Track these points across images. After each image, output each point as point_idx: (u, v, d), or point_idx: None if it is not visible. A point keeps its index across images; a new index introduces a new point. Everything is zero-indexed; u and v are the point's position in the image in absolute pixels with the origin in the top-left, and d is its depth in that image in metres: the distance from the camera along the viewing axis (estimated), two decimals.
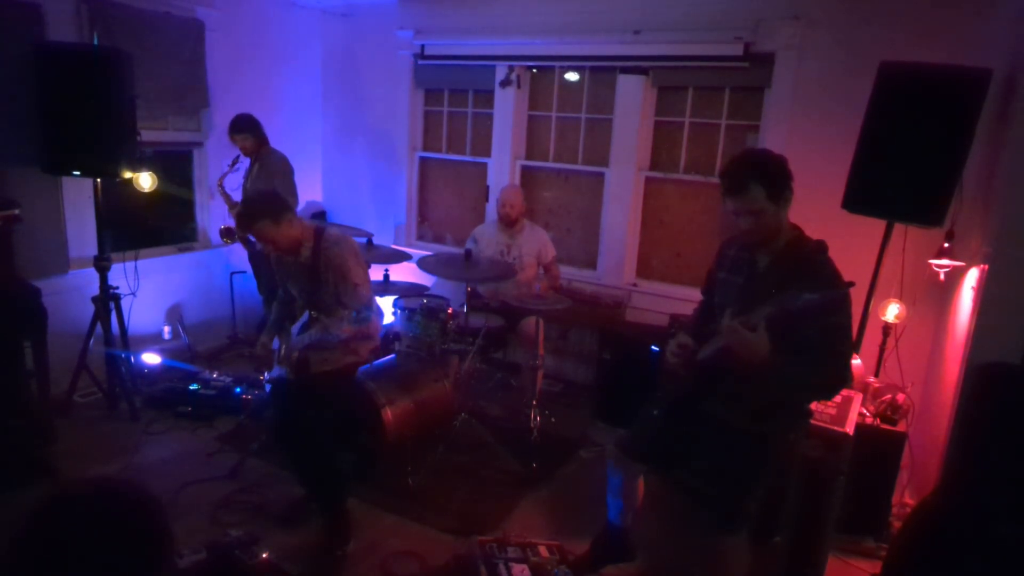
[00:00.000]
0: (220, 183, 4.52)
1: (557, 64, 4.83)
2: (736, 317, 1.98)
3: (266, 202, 2.75)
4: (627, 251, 4.69)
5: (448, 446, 3.56)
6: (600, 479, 2.75)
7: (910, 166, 2.86)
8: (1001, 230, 2.68)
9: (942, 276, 3.18)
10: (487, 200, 5.20)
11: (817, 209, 2.99)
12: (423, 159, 5.62)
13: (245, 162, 4.54)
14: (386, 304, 4.01)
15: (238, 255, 4.98)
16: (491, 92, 5.06)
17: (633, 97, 4.49)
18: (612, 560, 2.72)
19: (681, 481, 2.31)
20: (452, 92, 5.40)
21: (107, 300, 3.84)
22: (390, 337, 3.95)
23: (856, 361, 3.13)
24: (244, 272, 5.03)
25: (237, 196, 4.58)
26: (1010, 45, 2.96)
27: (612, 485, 2.63)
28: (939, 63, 2.88)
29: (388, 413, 3.33)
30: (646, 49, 4.34)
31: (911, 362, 3.38)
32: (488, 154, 5.19)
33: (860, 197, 3.05)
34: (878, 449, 2.95)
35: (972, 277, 2.96)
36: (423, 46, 5.18)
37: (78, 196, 4.07)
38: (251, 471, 3.39)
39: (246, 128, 4.39)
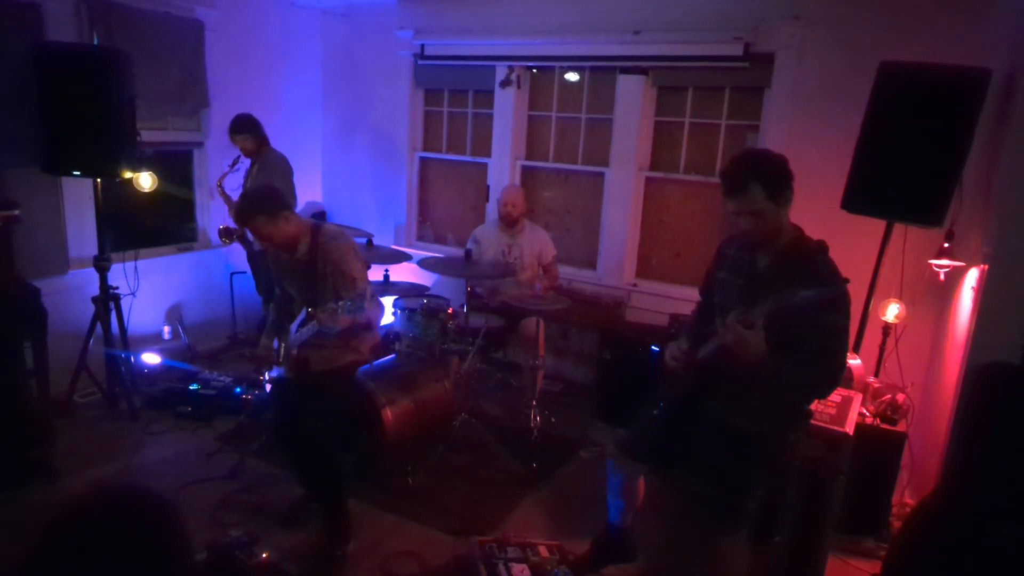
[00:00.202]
0: (219, 183, 4.52)
1: (557, 64, 4.83)
2: (736, 315, 1.98)
3: (264, 198, 2.74)
4: (627, 251, 4.69)
5: (448, 446, 3.56)
6: (600, 479, 2.75)
7: (910, 166, 2.86)
8: (1001, 230, 2.68)
9: (942, 276, 3.18)
10: (487, 200, 5.20)
11: (817, 209, 2.98)
12: (423, 159, 5.63)
13: (245, 162, 4.54)
14: (386, 304, 4.01)
15: (238, 255, 4.98)
16: (491, 92, 5.06)
17: (633, 97, 4.49)
18: (612, 560, 2.72)
19: (681, 481, 2.31)
20: (452, 92, 5.40)
21: (107, 300, 3.84)
22: (390, 337, 3.95)
23: (856, 361, 3.13)
24: (244, 272, 5.03)
25: (237, 196, 4.57)
26: (1010, 45, 2.96)
27: (612, 485, 2.63)
28: (939, 63, 2.88)
29: (388, 413, 3.33)
30: (646, 49, 4.34)
31: (911, 362, 3.38)
32: (488, 154, 5.19)
33: (860, 197, 3.05)
34: (878, 449, 2.95)
35: (972, 277, 2.96)
36: (423, 46, 5.18)
37: (78, 196, 4.08)
38: (251, 471, 3.39)
39: (246, 128, 4.39)
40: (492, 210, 5.01)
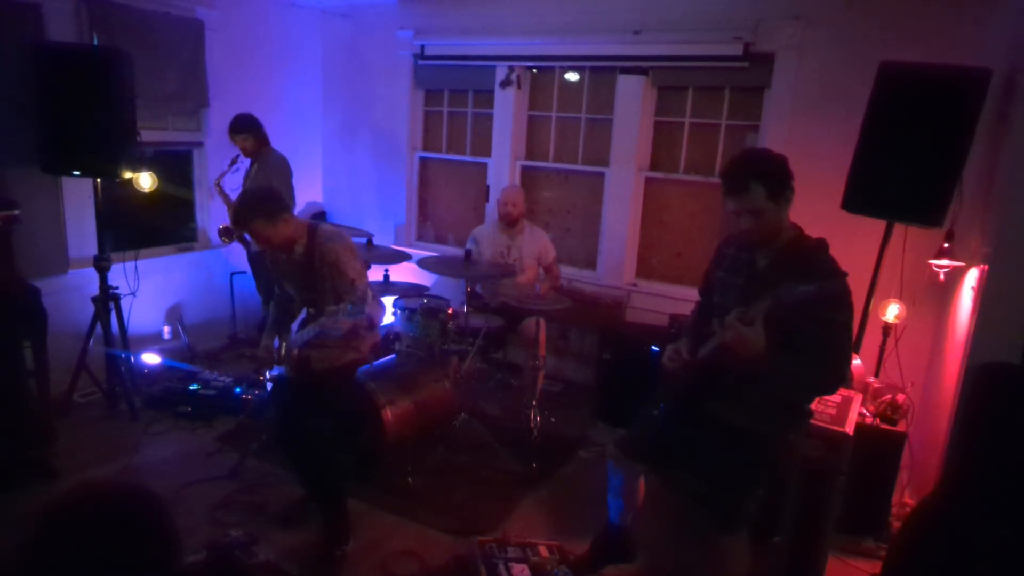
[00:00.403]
0: (218, 183, 4.52)
1: (557, 64, 4.83)
2: (734, 312, 1.97)
3: (261, 200, 2.72)
4: (627, 251, 4.69)
5: (448, 446, 3.56)
6: (600, 479, 2.75)
7: (910, 166, 2.86)
8: (1001, 230, 2.69)
9: (942, 276, 3.18)
10: (487, 200, 5.20)
11: (817, 209, 2.98)
12: (423, 159, 5.63)
13: (245, 162, 4.54)
14: (386, 304, 4.01)
15: (238, 255, 4.98)
16: (491, 92, 5.06)
17: (633, 97, 4.49)
18: (612, 560, 2.72)
19: (681, 481, 2.31)
20: (452, 92, 5.40)
21: (107, 300, 3.84)
22: (390, 337, 3.95)
23: (856, 361, 3.13)
24: (244, 272, 5.03)
25: (236, 196, 4.57)
26: (1010, 45, 2.96)
27: (612, 485, 2.63)
28: (939, 63, 2.88)
29: (388, 413, 3.33)
30: (646, 49, 4.34)
31: (911, 362, 3.38)
32: (488, 154, 5.19)
33: (860, 197, 3.05)
34: (878, 449, 2.95)
35: (972, 277, 2.96)
36: (423, 46, 5.18)
37: (78, 196, 4.08)
38: (251, 471, 3.39)
39: (246, 128, 4.39)
40: (492, 210, 5.01)
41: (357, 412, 3.33)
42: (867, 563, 2.92)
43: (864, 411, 3.02)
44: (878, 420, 3.03)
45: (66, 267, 4.08)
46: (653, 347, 3.79)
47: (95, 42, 3.94)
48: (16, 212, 3.47)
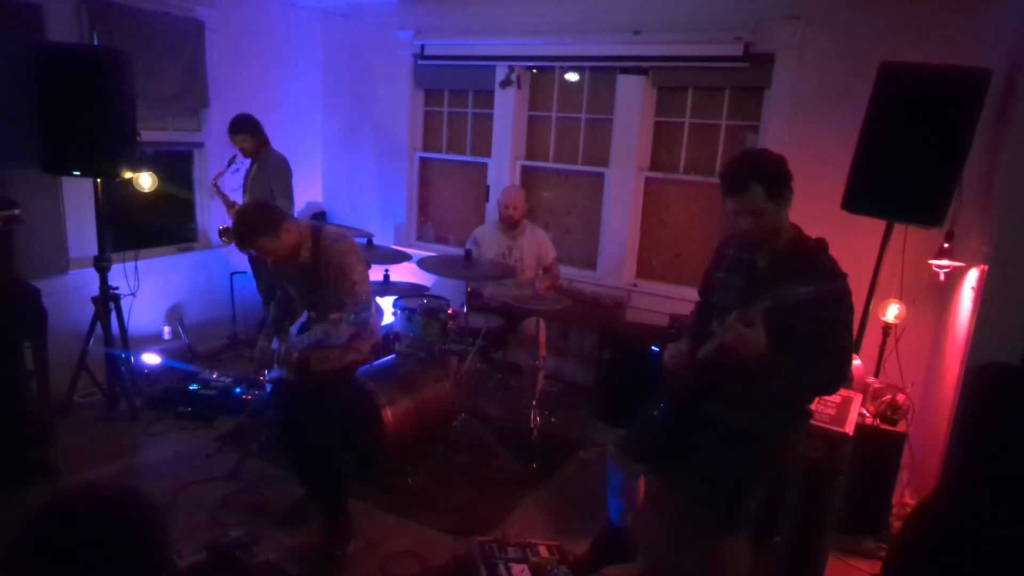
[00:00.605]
0: (215, 183, 4.51)
1: (557, 64, 4.83)
2: (733, 313, 1.97)
3: (259, 217, 2.67)
4: (627, 251, 4.69)
5: (448, 446, 3.56)
6: (600, 479, 2.75)
7: (910, 166, 2.86)
8: (1001, 230, 2.68)
9: (942, 276, 3.18)
10: (487, 200, 5.20)
11: (817, 209, 2.98)
12: (423, 159, 5.63)
13: (245, 163, 4.54)
14: (386, 304, 4.01)
15: (238, 255, 4.97)
16: (491, 92, 5.06)
17: (633, 97, 4.49)
18: (612, 560, 2.72)
19: (681, 481, 2.31)
20: (452, 92, 5.40)
21: (107, 300, 3.84)
22: (390, 337, 3.95)
23: (856, 361, 3.13)
24: (244, 272, 5.04)
25: (236, 196, 4.58)
26: (1010, 45, 2.96)
27: (612, 485, 2.63)
28: (939, 63, 2.88)
29: (388, 413, 3.33)
30: (646, 49, 4.34)
31: (911, 362, 3.38)
32: (488, 154, 5.19)
33: (860, 197, 3.05)
34: (878, 449, 2.95)
35: (972, 277, 2.96)
36: (423, 46, 5.18)
37: (78, 196, 4.08)
38: (251, 471, 3.39)
39: (245, 128, 4.39)
40: (492, 210, 5.01)
41: (357, 412, 3.33)
42: (867, 563, 2.92)
43: (864, 411, 3.01)
44: (878, 420, 3.02)
45: (66, 267, 4.08)
46: (653, 347, 3.78)
47: (95, 42, 3.94)
48: (16, 212, 3.48)
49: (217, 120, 4.78)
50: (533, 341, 3.93)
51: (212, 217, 5.02)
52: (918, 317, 3.43)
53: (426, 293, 4.22)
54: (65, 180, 3.99)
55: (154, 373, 4.33)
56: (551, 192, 5.11)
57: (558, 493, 3.40)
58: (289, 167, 4.51)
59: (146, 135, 3.93)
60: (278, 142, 4.61)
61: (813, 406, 2.36)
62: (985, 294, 2.70)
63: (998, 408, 1.81)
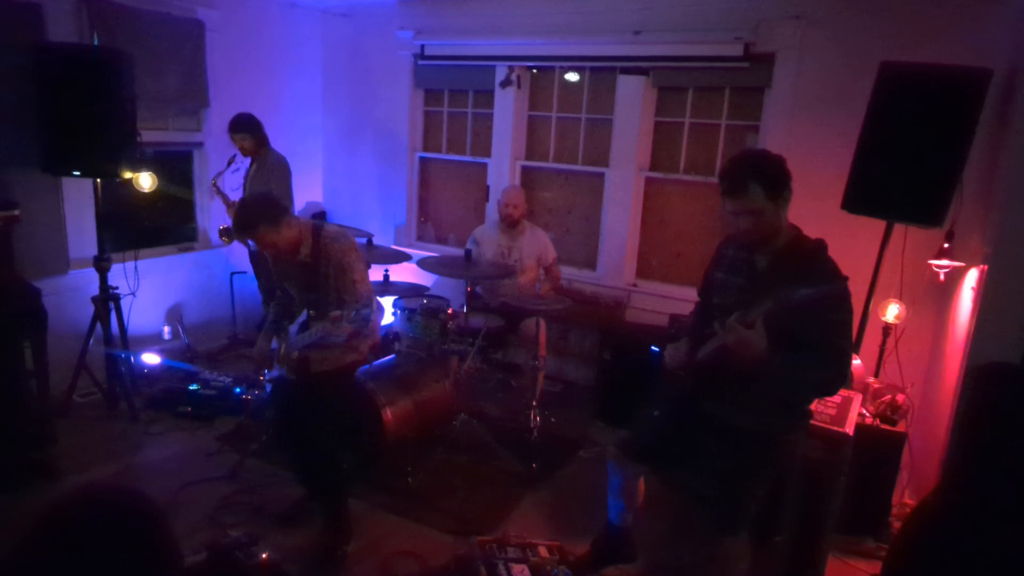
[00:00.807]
0: (215, 182, 4.51)
1: (557, 64, 4.83)
2: (735, 314, 1.98)
3: (261, 207, 2.69)
4: (627, 251, 4.69)
5: (448, 446, 3.56)
6: (600, 479, 2.75)
7: (910, 166, 2.86)
8: (1001, 230, 2.69)
9: (942, 276, 3.18)
10: (487, 200, 5.20)
11: (817, 209, 2.99)
12: (423, 159, 5.63)
13: (245, 162, 4.54)
14: (386, 304, 4.01)
15: (238, 255, 4.98)
16: (491, 92, 5.06)
17: (633, 97, 4.49)
18: (612, 560, 2.72)
19: (681, 482, 2.32)
20: (452, 92, 5.40)
21: (107, 300, 3.84)
22: (390, 337, 3.95)
23: (856, 361, 3.13)
24: (244, 272, 5.04)
25: (236, 196, 4.57)
26: (1010, 45, 2.97)
27: (613, 486, 2.63)
28: (939, 63, 2.88)
29: (388, 413, 3.33)
30: (646, 49, 4.34)
31: (911, 362, 3.38)
32: (488, 154, 5.19)
33: (860, 197, 3.05)
34: (878, 449, 2.95)
35: (972, 277, 2.96)
36: (423, 46, 5.18)
37: (78, 196, 4.08)
38: (251, 471, 3.39)
39: (244, 128, 4.38)
40: (492, 210, 5.01)
41: (357, 412, 3.33)
42: (867, 563, 2.92)
43: (864, 411, 3.02)
44: (878, 420, 3.03)
45: (66, 267, 4.08)
46: (653, 347, 3.79)
47: (95, 42, 3.93)
48: (16, 212, 3.47)
49: (217, 120, 4.78)
50: (533, 341, 3.93)
51: (212, 217, 5.02)
52: (918, 317, 3.43)
53: (426, 293, 4.22)
54: (65, 180, 3.99)
55: (154, 373, 4.33)
56: (551, 192, 5.11)
57: (558, 493, 3.40)
58: (288, 167, 4.50)
59: (146, 135, 3.93)
60: (278, 142, 4.61)
61: (813, 406, 2.35)
62: (985, 294, 2.70)
63: (998, 408, 1.81)
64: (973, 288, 2.91)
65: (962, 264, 3.08)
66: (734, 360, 1.99)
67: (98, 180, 3.82)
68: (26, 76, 3.45)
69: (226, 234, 4.58)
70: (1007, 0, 3.15)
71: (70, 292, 4.04)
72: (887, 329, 3.39)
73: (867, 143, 3.03)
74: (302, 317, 2.79)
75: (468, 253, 3.84)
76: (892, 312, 3.36)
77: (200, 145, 4.94)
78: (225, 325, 5.14)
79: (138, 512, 1.10)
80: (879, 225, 3.18)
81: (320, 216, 5.85)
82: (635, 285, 4.70)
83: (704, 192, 4.43)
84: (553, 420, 4.00)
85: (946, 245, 3.09)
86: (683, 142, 4.48)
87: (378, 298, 3.13)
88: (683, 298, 4.21)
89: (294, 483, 3.10)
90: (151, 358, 4.38)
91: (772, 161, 2.08)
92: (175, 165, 4.88)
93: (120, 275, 4.00)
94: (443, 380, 3.68)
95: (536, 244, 4.39)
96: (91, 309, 3.83)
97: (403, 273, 4.40)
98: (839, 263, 2.07)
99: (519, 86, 4.94)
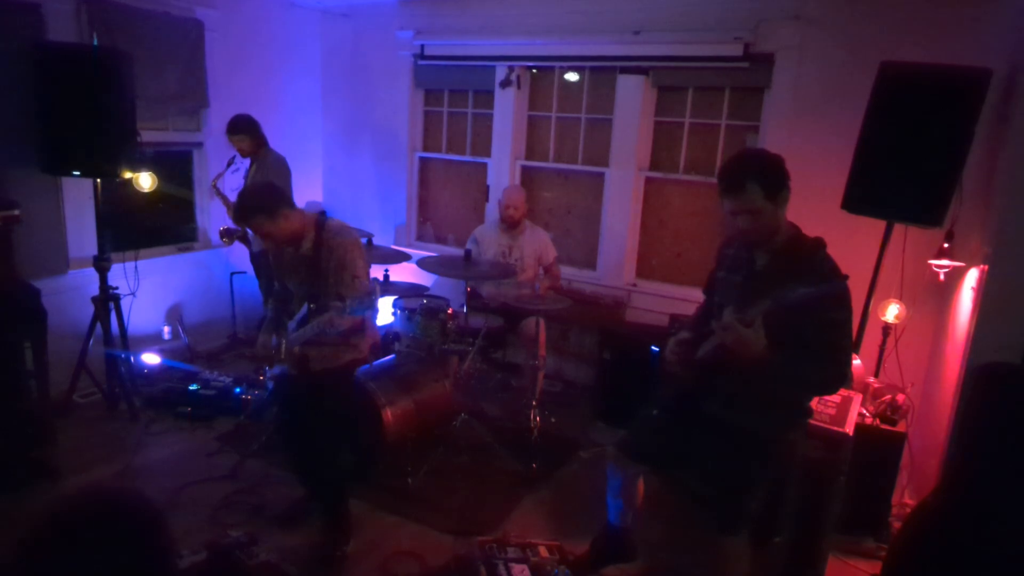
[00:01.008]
0: (215, 183, 4.52)
1: (557, 64, 4.83)
2: (733, 314, 1.98)
3: (262, 195, 2.69)
4: (627, 251, 4.69)
5: (448, 446, 3.56)
6: (600, 479, 2.75)
7: (910, 166, 2.86)
8: (1001, 230, 2.69)
9: (942, 276, 3.18)
10: (487, 200, 5.20)
11: (817, 209, 2.99)
12: (423, 159, 5.63)
13: (245, 163, 4.54)
14: (386, 304, 4.01)
15: (238, 255, 4.98)
16: (491, 92, 5.06)
17: (633, 97, 4.49)
18: (612, 560, 2.72)
19: (681, 482, 2.32)
20: (452, 92, 5.40)
21: (107, 300, 3.84)
22: (390, 337, 3.95)
23: (856, 361, 3.13)
24: (244, 272, 5.03)
25: (236, 197, 4.57)
26: (1010, 45, 2.96)
27: (612, 486, 2.63)
28: (939, 63, 2.88)
29: (388, 413, 3.33)
30: (646, 49, 4.34)
31: (911, 362, 3.38)
32: (488, 154, 5.19)
33: (860, 197, 3.05)
34: (878, 449, 2.96)
35: (972, 277, 2.96)
36: (423, 46, 5.18)
37: (78, 196, 4.08)
38: (251, 471, 3.39)
39: (242, 129, 4.38)
40: (492, 210, 5.01)
41: (357, 412, 3.33)
42: (867, 563, 2.92)
43: (864, 411, 3.02)
44: (878, 420, 3.03)
45: (66, 267, 4.08)
46: (653, 347, 3.78)
47: (95, 42, 3.93)
48: (16, 212, 3.47)
49: (217, 120, 4.78)
50: (533, 341, 3.93)
51: (212, 217, 5.02)
52: (918, 317, 3.43)
53: (426, 293, 4.22)
54: (65, 180, 3.99)
55: (154, 373, 4.33)
56: (551, 192, 5.11)
57: (558, 493, 3.40)
58: (288, 167, 4.51)
59: (146, 135, 3.93)
60: (278, 142, 4.61)
61: (813, 406, 2.36)
62: (985, 294, 2.70)
63: (998, 408, 1.81)
64: (973, 288, 2.91)
65: (962, 264, 3.08)
66: (733, 359, 1.99)
67: (98, 180, 3.82)
68: (26, 76, 3.45)
69: (226, 234, 4.58)
70: (1007, 0, 3.14)
71: (70, 292, 4.04)
72: (887, 329, 3.39)
73: (867, 143, 3.03)
74: (302, 312, 2.78)
75: (468, 253, 3.84)
76: (892, 312, 3.36)
77: (200, 145, 4.93)
78: (225, 325, 5.14)
79: (137, 513, 1.10)
80: (879, 225, 3.18)
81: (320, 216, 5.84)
82: (635, 285, 4.70)
83: (704, 192, 4.43)
84: (553, 420, 4.00)
85: (946, 245, 3.09)
86: (683, 142, 4.47)
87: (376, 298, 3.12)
88: (683, 298, 4.21)
89: (294, 483, 3.10)
90: (151, 358, 4.38)
91: (770, 160, 2.09)
92: (175, 165, 4.88)
93: (120, 275, 4.00)
94: (443, 380, 3.68)
95: (536, 244, 4.39)
96: (91, 309, 3.83)
97: (403, 273, 4.40)
98: (839, 263, 2.08)
99: (519, 86, 4.94)
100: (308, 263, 2.74)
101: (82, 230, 4.11)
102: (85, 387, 3.96)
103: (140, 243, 4.26)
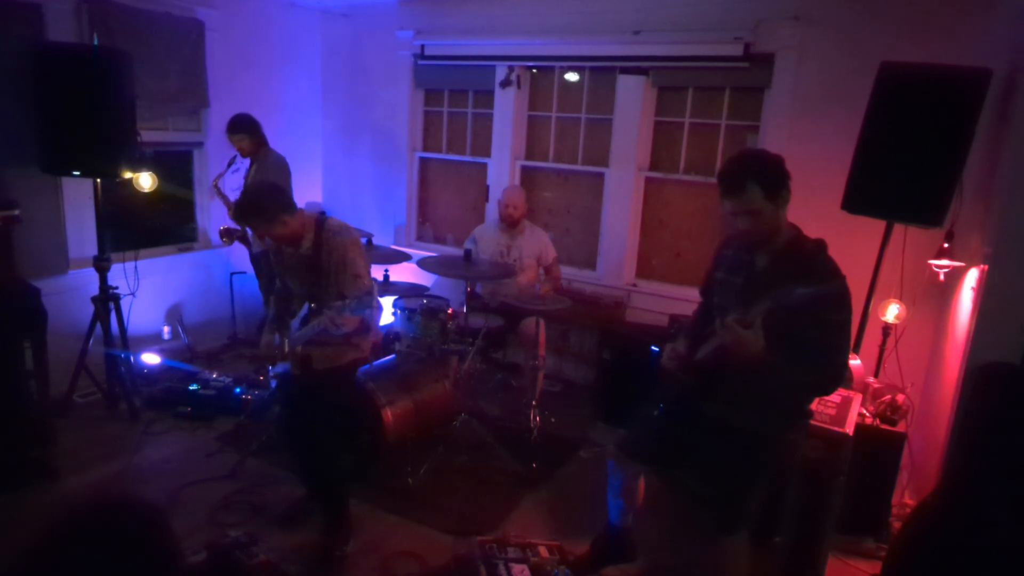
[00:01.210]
0: (215, 183, 4.52)
1: (557, 64, 4.83)
2: (733, 314, 1.97)
3: (263, 196, 2.70)
4: (627, 251, 4.69)
5: (448, 446, 3.56)
6: (600, 479, 2.75)
7: (910, 166, 2.86)
8: (1001, 230, 2.68)
9: (942, 276, 3.18)
10: (487, 200, 5.20)
11: (817, 209, 2.99)
12: (423, 159, 5.63)
13: (245, 163, 4.54)
14: (386, 304, 4.01)
15: (238, 255, 4.98)
16: (491, 92, 5.06)
17: (633, 97, 4.49)
18: (612, 560, 2.72)
19: (681, 482, 2.32)
20: (452, 92, 5.40)
21: (107, 300, 3.84)
22: (390, 337, 3.95)
23: (856, 361, 3.13)
24: (244, 272, 5.04)
25: (236, 197, 4.57)
26: (1010, 45, 2.96)
27: (612, 485, 2.63)
28: (939, 63, 2.88)
29: (388, 413, 3.33)
30: (646, 49, 4.34)
31: (911, 362, 3.38)
32: (488, 154, 5.19)
33: (860, 197, 3.05)
34: (878, 449, 2.95)
35: (972, 277, 2.96)
36: (423, 46, 5.18)
37: (78, 196, 4.07)
38: (251, 471, 3.39)
39: (242, 129, 4.39)
40: (492, 210, 5.02)
41: (357, 412, 3.33)
42: (867, 563, 2.92)
43: (864, 411, 3.01)
44: (878, 420, 3.02)
45: (66, 267, 4.08)
46: (653, 347, 3.78)
47: (95, 42, 3.93)
48: (16, 212, 3.47)
49: (217, 120, 4.78)
50: (533, 341, 3.93)
51: (212, 217, 5.02)
52: (918, 317, 3.43)
53: (426, 293, 4.22)
54: (65, 180, 3.99)
55: (154, 373, 4.33)
56: (551, 192, 5.11)
57: (558, 493, 3.40)
58: (288, 167, 4.51)
59: (146, 135, 3.93)
60: (278, 142, 4.61)
61: (813, 406, 2.36)
62: (985, 294, 2.70)
63: (998, 408, 1.81)
64: (973, 288, 2.91)
65: (962, 264, 3.07)
66: (733, 360, 1.99)
67: (98, 180, 3.81)
68: (26, 76, 3.45)
69: (226, 234, 4.58)
70: (1007, 0, 3.14)
71: (70, 292, 4.04)
72: (887, 329, 3.39)
73: (867, 143, 3.03)
74: (303, 312, 2.78)
75: (468, 253, 3.84)
76: (892, 312, 3.36)
77: (200, 145, 4.93)
78: (225, 325, 5.14)
79: (139, 515, 1.10)
80: (879, 225, 3.18)
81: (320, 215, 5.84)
82: (635, 285, 4.70)
83: (704, 192, 4.43)
84: (553, 420, 4.00)
85: (946, 245, 3.09)
86: (683, 142, 4.48)
87: (378, 297, 3.12)
88: (683, 298, 4.21)
89: (294, 483, 3.10)
90: (151, 358, 4.38)
91: (771, 161, 2.08)
92: (175, 165, 4.88)
93: (120, 275, 4.00)
94: (443, 380, 3.68)
95: (536, 244, 4.39)
96: (91, 309, 3.83)
97: (403, 273, 4.40)
98: (839, 263, 2.07)
99: (519, 86, 4.94)
100: (308, 262, 2.74)
101: (82, 230, 4.11)
102: (85, 387, 3.96)
103: (140, 243, 4.26)
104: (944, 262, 3.10)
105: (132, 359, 4.08)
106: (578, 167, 4.90)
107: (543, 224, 4.89)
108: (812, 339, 1.97)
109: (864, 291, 3.21)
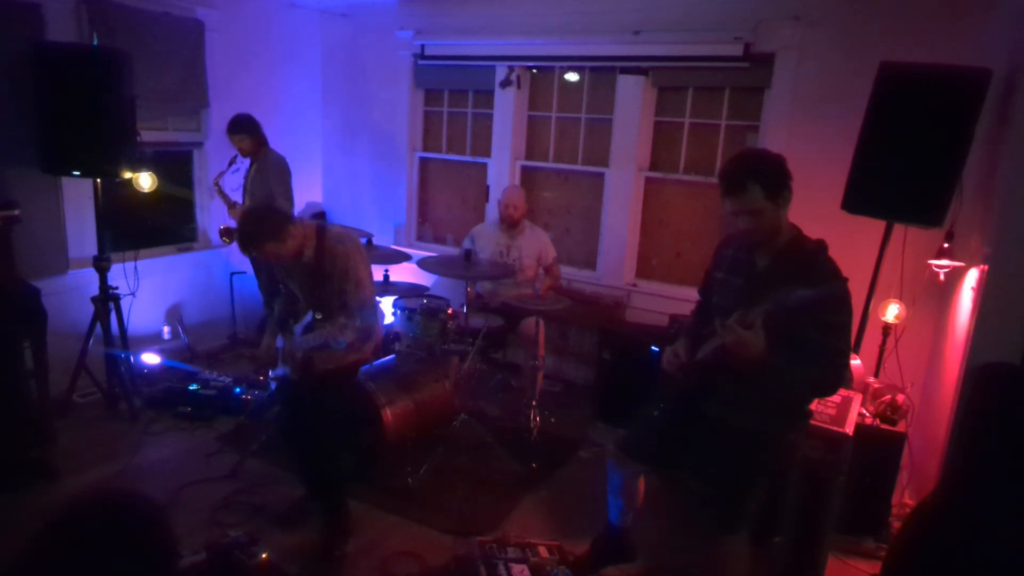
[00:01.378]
0: (216, 182, 4.52)
1: (557, 64, 4.83)
2: (734, 315, 1.97)
3: (263, 221, 2.65)
4: (627, 251, 4.69)
5: (448, 446, 3.56)
6: (600, 479, 2.75)
7: (910, 166, 2.86)
8: (1001, 230, 2.68)
9: (942, 276, 3.18)
10: (487, 200, 5.20)
11: (817, 209, 2.99)
12: (423, 159, 5.63)
13: (245, 162, 4.54)
14: (386, 304, 4.01)
15: (238, 255, 4.96)
16: (491, 92, 5.06)
17: (633, 97, 4.49)
18: (612, 560, 2.72)
19: (681, 481, 2.32)
20: (452, 92, 5.40)
21: (107, 300, 3.84)
22: (390, 337, 3.95)
23: (856, 361, 3.13)
24: (244, 272, 5.04)
25: (237, 196, 4.58)
26: (1010, 45, 2.96)
27: (612, 485, 2.63)
28: (939, 63, 2.88)
29: (388, 413, 3.33)
30: (646, 49, 4.34)
31: (911, 362, 3.38)
32: (488, 154, 5.19)
33: (860, 197, 3.05)
34: (878, 449, 2.95)
35: (972, 277, 2.96)
36: (423, 46, 5.18)
37: (78, 196, 4.07)
38: (251, 471, 3.39)
39: (243, 128, 4.39)
40: (492, 210, 5.02)
41: (357, 412, 3.33)
42: (867, 563, 2.92)
43: (864, 411, 3.01)
44: (878, 420, 3.03)
45: (66, 267, 4.07)
46: (653, 347, 3.79)
47: (95, 42, 3.93)
48: (16, 212, 3.46)
49: (217, 120, 4.78)
50: (533, 341, 3.93)
51: (212, 217, 5.02)
52: (918, 317, 3.43)
53: (426, 293, 4.22)
54: (65, 180, 3.98)
55: (154, 373, 4.33)
56: (551, 192, 5.11)
57: (558, 493, 3.40)
58: (288, 167, 4.51)
59: (146, 135, 3.93)
60: (278, 142, 4.61)
61: (813, 406, 2.36)
62: (985, 294, 2.70)
63: (998, 408, 1.81)
64: (973, 288, 2.91)
65: (962, 264, 3.07)
66: (733, 360, 1.99)
67: (98, 180, 3.81)
68: (26, 76, 3.45)
69: (227, 234, 4.58)
70: (1007, 0, 3.14)
71: (70, 292, 4.04)
72: (887, 329, 3.39)
73: (867, 143, 3.03)
74: (307, 318, 2.79)
75: (468, 253, 3.84)
76: (892, 312, 3.36)
77: (200, 145, 4.93)
78: (225, 325, 5.14)
79: (139, 514, 1.10)
80: (879, 225, 3.18)
81: (320, 216, 5.85)
82: (635, 285, 4.70)
83: (704, 192, 4.43)
84: (553, 420, 4.00)
85: (946, 245, 3.09)
86: (683, 142, 4.47)
87: (378, 300, 3.12)
88: (683, 298, 4.21)
89: (294, 483, 3.10)
90: (151, 358, 4.38)
91: (771, 161, 2.08)
92: (175, 165, 4.88)
93: (120, 275, 4.00)
94: (443, 380, 3.68)
95: (535, 243, 4.39)
96: (91, 309, 3.83)
97: (403, 273, 4.40)
98: (839, 263, 2.07)
99: (519, 86, 4.94)
100: (311, 270, 2.74)
101: (82, 230, 4.10)
102: (85, 387, 3.96)
103: (140, 243, 4.26)
104: (944, 262, 3.10)
105: (132, 359, 4.08)
106: (578, 167, 4.90)
107: (543, 224, 4.89)
108: (812, 340, 1.97)
109: (864, 291, 3.21)
